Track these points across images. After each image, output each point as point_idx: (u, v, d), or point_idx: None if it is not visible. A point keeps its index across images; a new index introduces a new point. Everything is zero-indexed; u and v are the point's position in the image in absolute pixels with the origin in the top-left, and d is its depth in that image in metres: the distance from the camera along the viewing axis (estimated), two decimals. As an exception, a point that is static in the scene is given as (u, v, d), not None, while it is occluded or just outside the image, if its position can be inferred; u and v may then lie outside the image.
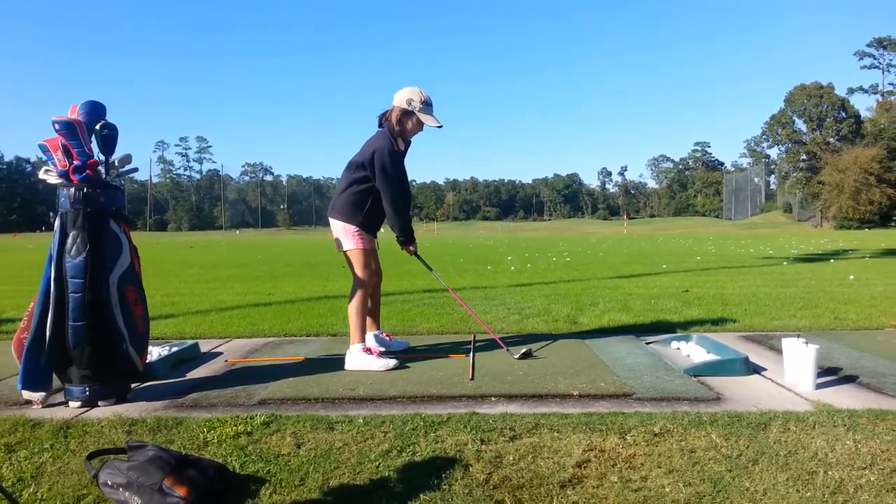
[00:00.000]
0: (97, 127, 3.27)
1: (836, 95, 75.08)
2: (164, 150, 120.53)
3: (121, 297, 3.24)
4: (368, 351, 3.97)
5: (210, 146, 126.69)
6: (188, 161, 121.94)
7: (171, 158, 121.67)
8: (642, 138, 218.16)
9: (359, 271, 4.08)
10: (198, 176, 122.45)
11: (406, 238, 4.17)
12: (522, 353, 4.06)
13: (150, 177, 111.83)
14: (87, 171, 3.21)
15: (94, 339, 3.18)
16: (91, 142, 3.29)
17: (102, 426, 2.89)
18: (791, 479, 2.20)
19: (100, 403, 3.24)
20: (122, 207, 3.37)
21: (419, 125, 4.09)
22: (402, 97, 4.03)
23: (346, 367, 3.91)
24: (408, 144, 4.21)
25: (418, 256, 4.41)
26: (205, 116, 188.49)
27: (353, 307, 4.03)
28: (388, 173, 3.96)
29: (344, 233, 4.07)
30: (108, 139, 3.31)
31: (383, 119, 4.12)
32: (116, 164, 3.38)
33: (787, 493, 2.10)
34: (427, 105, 4.05)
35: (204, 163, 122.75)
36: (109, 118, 3.37)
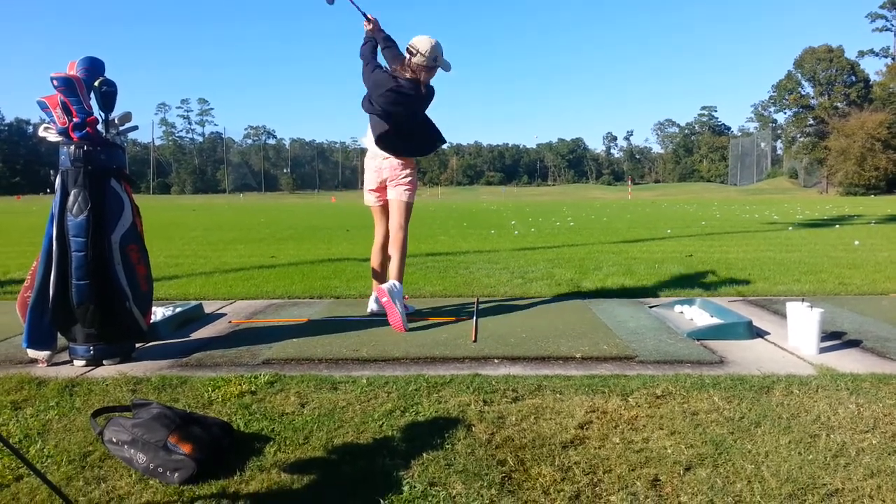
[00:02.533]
0: (96, 84, 3.22)
1: (846, 59, 73.95)
2: (166, 112, 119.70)
3: (123, 256, 3.23)
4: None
5: (212, 108, 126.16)
6: (190, 123, 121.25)
7: (173, 121, 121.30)
8: (648, 102, 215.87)
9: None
10: (200, 139, 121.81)
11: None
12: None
13: (153, 139, 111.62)
14: (87, 128, 3.17)
15: (98, 297, 3.18)
16: (90, 99, 3.24)
17: (107, 384, 2.90)
18: (793, 441, 2.20)
19: (104, 362, 3.26)
20: (123, 166, 3.34)
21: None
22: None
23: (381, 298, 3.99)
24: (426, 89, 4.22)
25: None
26: (206, 79, 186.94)
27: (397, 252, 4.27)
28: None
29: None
30: (108, 96, 3.27)
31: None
32: (116, 121, 3.33)
33: (789, 455, 2.10)
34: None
35: (206, 125, 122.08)
36: (109, 77, 3.32)
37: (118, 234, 3.22)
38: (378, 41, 4.29)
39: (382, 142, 4.18)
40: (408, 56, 4.10)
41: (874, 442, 2.20)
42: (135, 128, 3.46)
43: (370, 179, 4.32)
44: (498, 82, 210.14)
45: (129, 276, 3.25)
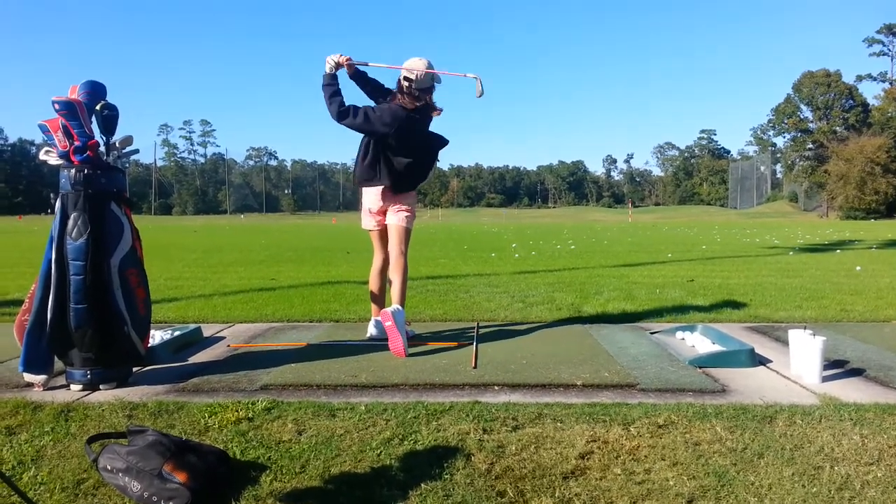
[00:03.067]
0: (97, 107, 3.24)
1: (844, 83, 74.49)
2: (168, 134, 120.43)
3: (122, 280, 3.22)
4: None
5: (214, 130, 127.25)
6: (192, 145, 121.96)
7: (175, 142, 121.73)
8: (648, 125, 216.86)
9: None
10: (202, 160, 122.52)
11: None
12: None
13: (155, 160, 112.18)
14: (88, 151, 3.17)
15: (96, 321, 3.16)
16: (91, 122, 3.25)
17: (103, 410, 2.87)
18: (797, 473, 2.17)
19: (101, 387, 3.23)
20: (123, 189, 3.34)
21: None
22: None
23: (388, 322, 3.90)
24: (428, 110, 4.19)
25: (355, 63, 4.25)
26: (208, 100, 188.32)
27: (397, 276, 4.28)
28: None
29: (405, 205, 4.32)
30: (109, 120, 3.28)
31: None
32: (117, 145, 3.35)
33: (792, 487, 2.07)
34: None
35: (208, 146, 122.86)
36: (111, 100, 3.33)
37: (117, 257, 3.21)
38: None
39: (403, 180, 4.21)
40: (406, 84, 4.09)
41: (879, 475, 2.17)
42: (136, 151, 3.47)
43: (371, 202, 4.30)
44: (498, 104, 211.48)
45: (127, 300, 3.23)
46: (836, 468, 2.21)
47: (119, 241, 3.22)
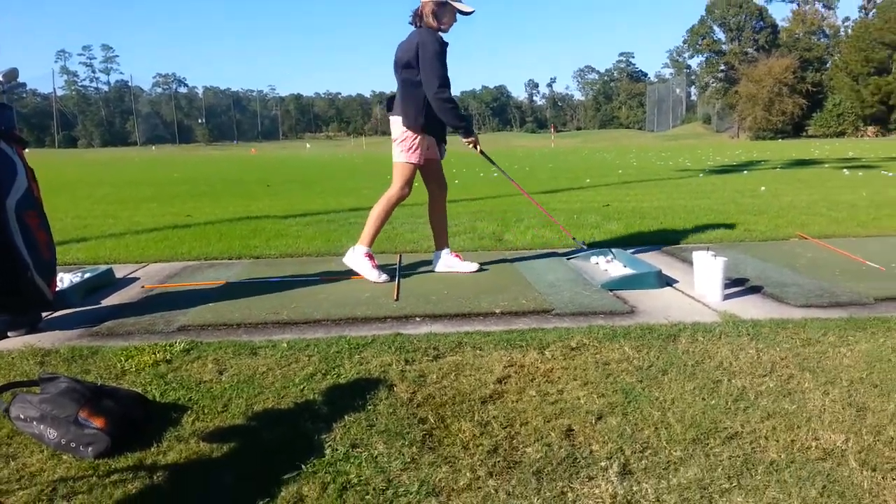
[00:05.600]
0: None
1: (755, 4, 76.47)
2: (67, 60, 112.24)
3: (21, 224, 3.05)
4: (370, 258, 4.10)
5: (117, 55, 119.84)
6: (94, 72, 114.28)
7: (75, 69, 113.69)
8: (569, 49, 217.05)
9: (397, 183, 4.12)
10: (106, 88, 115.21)
11: (464, 130, 4.06)
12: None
13: (55, 89, 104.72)
14: (-30, 88, 2.94)
15: (-4, 268, 3.01)
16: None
17: (13, 358, 2.78)
18: (697, 387, 2.34)
19: (9, 334, 3.12)
20: (12, 127, 3.12)
21: (454, 15, 3.98)
22: None
23: (344, 259, 4.20)
24: (447, 45, 4.03)
25: (482, 153, 4.34)
26: (108, 23, 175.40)
27: (376, 212, 4.15)
28: (432, 65, 3.84)
29: (401, 138, 4.04)
30: (-9, 53, 3.03)
31: (417, 19, 4.00)
32: (1, 79, 3.10)
33: (693, 401, 2.23)
34: None
35: (111, 73, 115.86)
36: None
37: (13, 199, 3.02)
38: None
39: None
40: (447, 2, 3.91)
41: (771, 385, 2.36)
42: (22, 85, 3.31)
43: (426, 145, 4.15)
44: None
45: (28, 244, 3.08)
46: (733, 381, 2.39)
47: (13, 183, 3.03)
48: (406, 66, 3.93)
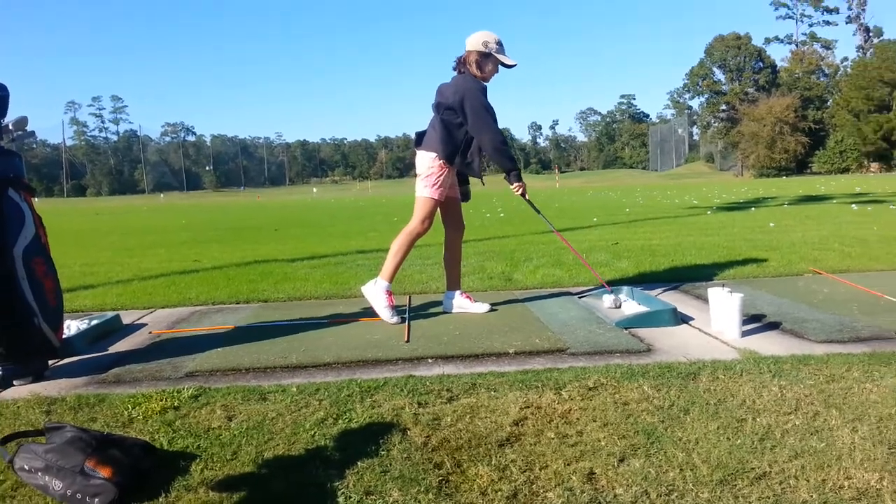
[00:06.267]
0: (-15, 90, 3.01)
1: (754, 46, 77.59)
2: (77, 111, 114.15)
3: (28, 271, 3.02)
4: (389, 295, 4.07)
5: (126, 106, 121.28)
6: (103, 122, 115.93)
7: (85, 120, 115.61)
8: (571, 92, 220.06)
9: (418, 217, 4.13)
10: (115, 137, 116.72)
11: (516, 174, 4.10)
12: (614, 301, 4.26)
13: (64, 139, 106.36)
14: (-22, 136, 2.95)
15: (3, 315, 2.97)
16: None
17: (18, 407, 2.72)
18: (721, 426, 2.26)
19: (14, 383, 3.06)
20: (21, 175, 3.12)
21: (496, 66, 4.09)
22: (478, 40, 4.02)
23: (363, 289, 4.20)
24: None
25: (527, 200, 4.37)
26: (117, 75, 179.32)
27: (396, 246, 4.15)
28: (482, 115, 3.94)
29: (427, 173, 4.07)
30: (-1, 101, 3.05)
31: (461, 65, 4.08)
32: (11, 127, 3.12)
33: (718, 441, 2.15)
34: (500, 45, 4.06)
35: (120, 123, 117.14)
36: (9, 78, 3.10)
37: (20, 247, 3.00)
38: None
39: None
40: (491, 53, 4.03)
41: (797, 423, 2.28)
42: (31, 133, 3.25)
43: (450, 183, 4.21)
44: (425, 75, 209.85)
45: (35, 291, 3.05)
46: (757, 419, 2.32)
47: (21, 230, 3.02)
48: (448, 108, 4.00)
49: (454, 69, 4.13)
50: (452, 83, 4.07)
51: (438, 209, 4.21)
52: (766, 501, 1.78)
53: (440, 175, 4.05)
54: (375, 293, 4.09)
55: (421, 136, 4.19)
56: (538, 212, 4.63)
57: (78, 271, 7.20)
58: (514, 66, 4.11)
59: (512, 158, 4.06)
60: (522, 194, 4.24)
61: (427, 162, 4.08)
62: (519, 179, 4.13)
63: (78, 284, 6.11)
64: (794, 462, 1.99)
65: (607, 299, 4.40)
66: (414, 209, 4.15)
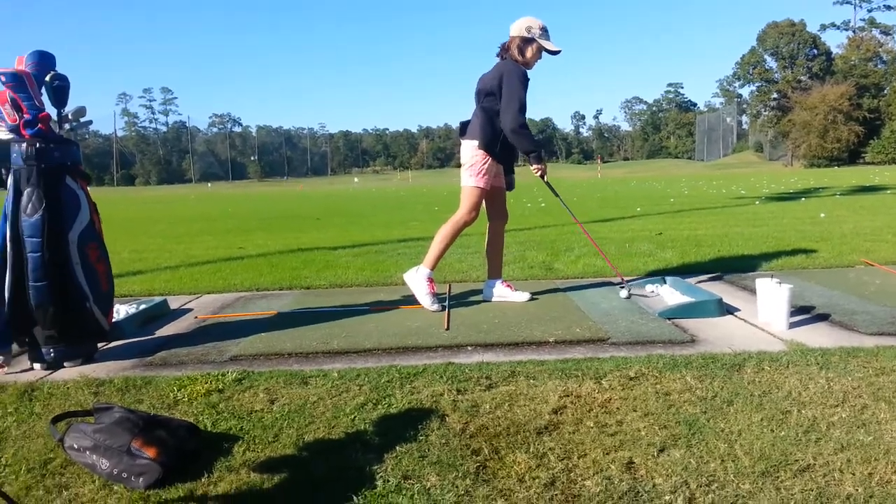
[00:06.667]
0: (47, 79, 3.10)
1: (808, 32, 75.04)
2: (128, 103, 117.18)
3: (82, 256, 3.13)
4: (430, 282, 4.10)
5: (175, 98, 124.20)
6: (153, 113, 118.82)
7: (136, 111, 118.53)
8: (616, 80, 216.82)
9: (465, 207, 4.13)
10: (164, 128, 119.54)
11: (535, 156, 4.06)
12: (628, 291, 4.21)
13: (115, 130, 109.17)
14: (39, 125, 3.05)
15: (57, 298, 3.08)
16: (41, 94, 3.12)
17: (68, 388, 2.82)
18: (765, 418, 2.21)
19: (65, 364, 3.17)
20: (78, 162, 3.22)
21: (539, 52, 4.07)
22: (521, 26, 4.01)
23: (404, 276, 4.24)
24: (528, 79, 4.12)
25: (546, 182, 4.32)
26: (168, 67, 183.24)
27: (441, 234, 4.15)
28: (517, 89, 3.89)
29: (471, 162, 4.08)
30: (59, 91, 3.15)
31: (504, 51, 4.07)
32: (70, 116, 3.21)
33: (761, 433, 2.11)
34: (545, 31, 4.03)
35: (170, 115, 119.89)
36: (65, 70, 3.19)
37: (75, 232, 3.11)
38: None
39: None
40: (534, 39, 4.01)
41: (844, 416, 2.22)
42: (89, 122, 3.35)
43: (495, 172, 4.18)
44: (467, 65, 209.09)
45: (88, 275, 3.15)
46: (803, 412, 2.26)
47: (76, 216, 3.12)
48: (489, 94, 3.98)
49: (497, 55, 4.10)
50: (494, 69, 4.04)
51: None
52: (809, 494, 1.74)
53: (484, 163, 4.03)
54: (417, 280, 4.10)
55: (465, 125, 4.17)
56: (557, 195, 4.54)
57: (127, 258, 7.40)
58: (559, 52, 4.06)
59: (532, 140, 4.00)
60: (541, 176, 4.18)
61: (471, 151, 4.06)
62: (539, 161, 4.08)
63: (127, 270, 6.29)
64: (840, 455, 1.93)
65: (650, 288, 4.35)
66: (460, 199, 4.14)
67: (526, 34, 3.98)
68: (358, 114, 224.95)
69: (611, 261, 5.73)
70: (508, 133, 3.93)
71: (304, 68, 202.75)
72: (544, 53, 4.08)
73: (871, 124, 64.30)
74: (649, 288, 4.39)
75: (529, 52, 4.02)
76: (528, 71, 4.03)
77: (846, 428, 2.12)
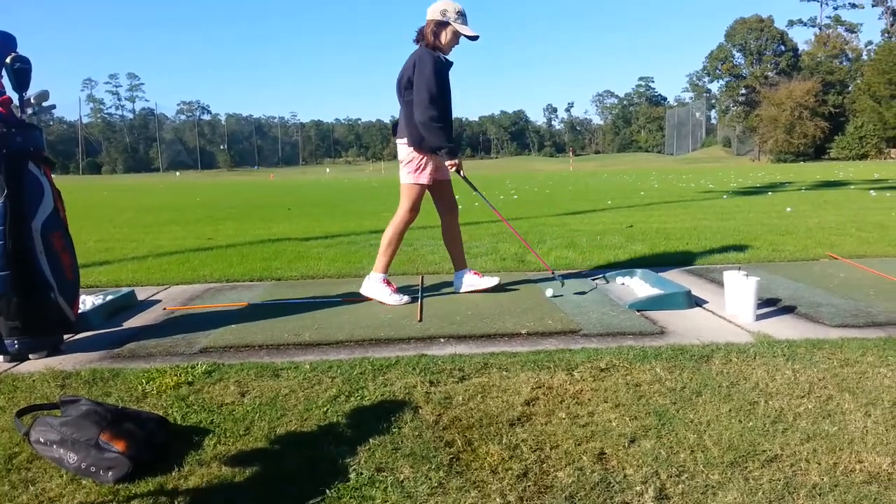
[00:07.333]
0: (7, 61, 3.01)
1: (776, 28, 76.28)
2: (93, 89, 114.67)
3: (46, 245, 3.05)
4: (387, 283, 4.04)
5: (142, 84, 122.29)
6: (119, 100, 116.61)
7: (101, 97, 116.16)
8: (588, 74, 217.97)
9: (404, 205, 4.04)
10: (130, 115, 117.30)
11: (449, 151, 3.91)
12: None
13: (80, 117, 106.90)
14: (0, 108, 2.97)
15: (20, 288, 3.00)
16: (2, 77, 3.03)
17: (34, 380, 2.76)
18: (734, 409, 2.25)
19: (30, 356, 3.10)
20: (41, 148, 3.14)
21: (455, 37, 3.93)
22: (437, 9, 3.87)
23: (361, 289, 4.11)
24: (449, 64, 3.99)
25: (465, 178, 4.20)
26: (134, 53, 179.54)
27: (387, 237, 4.07)
28: (423, 81, 3.76)
29: (408, 159, 3.97)
30: (21, 73, 3.06)
31: (420, 37, 3.94)
32: (32, 100, 3.13)
33: (730, 423, 2.14)
34: (461, 15, 3.89)
35: (136, 101, 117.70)
36: (27, 52, 3.10)
37: (39, 220, 3.03)
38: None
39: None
40: (449, 22, 3.87)
41: (810, 406, 2.27)
42: (53, 107, 3.26)
43: (435, 166, 4.06)
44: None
45: (52, 265, 3.08)
46: (770, 402, 2.30)
47: (40, 203, 3.04)
48: (408, 85, 3.87)
49: (414, 40, 3.97)
50: (410, 57, 3.93)
51: (429, 193, 4.14)
52: (777, 484, 1.77)
53: (421, 159, 3.95)
54: (373, 287, 4.05)
55: (397, 124, 4.07)
56: (476, 190, 4.50)
57: (93, 247, 7.26)
58: (477, 37, 3.93)
59: (441, 135, 3.83)
60: (458, 171, 4.08)
61: (405, 149, 3.98)
62: (453, 157, 3.94)
63: (93, 260, 6.17)
64: (806, 445, 1.98)
65: (620, 280, 4.40)
66: (400, 198, 4.06)
67: (440, 17, 3.85)
68: (329, 103, 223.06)
69: (577, 253, 5.78)
70: (419, 126, 3.82)
71: (275, 56, 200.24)
72: (462, 39, 3.95)
73: (836, 120, 65.62)
74: (619, 280, 4.44)
75: (444, 37, 3.89)
76: (446, 56, 3.93)
77: (812, 418, 2.17)
